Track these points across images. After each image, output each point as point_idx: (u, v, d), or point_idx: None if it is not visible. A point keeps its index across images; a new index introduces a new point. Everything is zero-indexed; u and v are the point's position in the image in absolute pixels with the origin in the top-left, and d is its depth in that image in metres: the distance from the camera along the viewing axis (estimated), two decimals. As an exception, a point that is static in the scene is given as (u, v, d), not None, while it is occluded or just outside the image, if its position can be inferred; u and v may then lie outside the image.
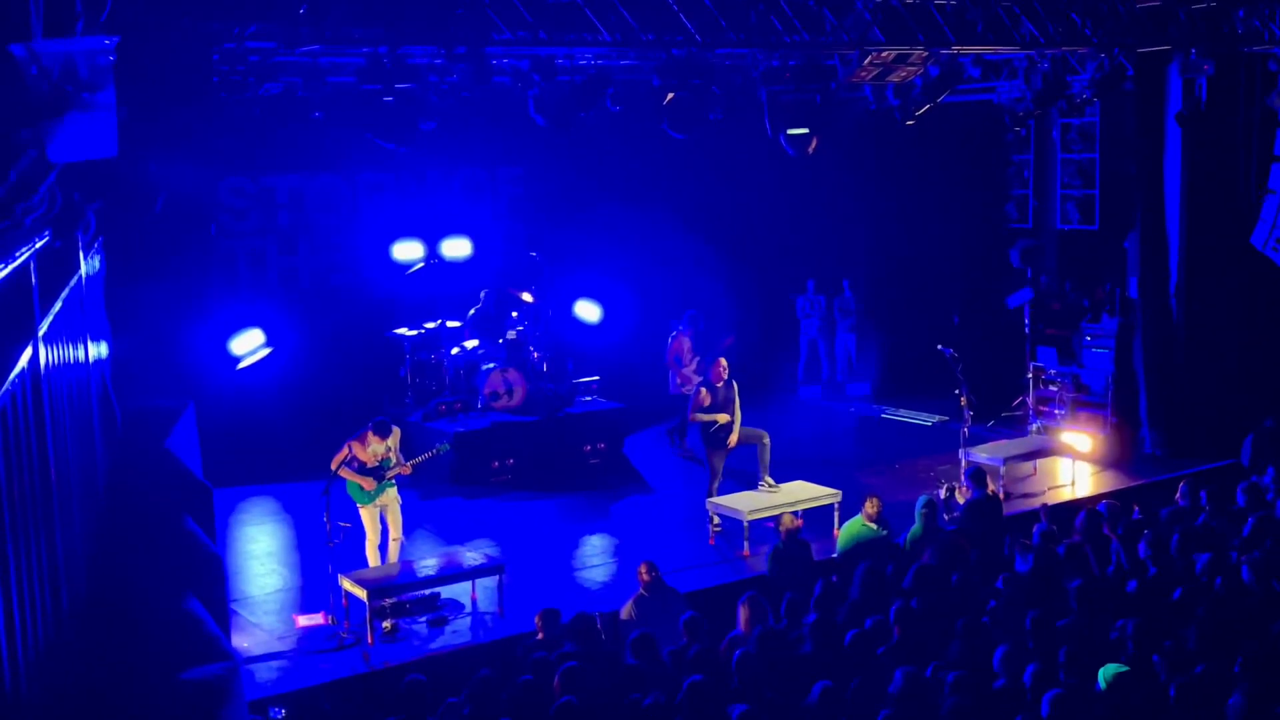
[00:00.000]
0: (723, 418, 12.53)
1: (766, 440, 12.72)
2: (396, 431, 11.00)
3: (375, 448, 10.82)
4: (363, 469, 10.80)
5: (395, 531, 11.06)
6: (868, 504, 10.68)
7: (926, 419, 16.12)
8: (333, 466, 10.76)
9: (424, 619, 10.33)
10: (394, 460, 10.93)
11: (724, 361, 12.68)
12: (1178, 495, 11.13)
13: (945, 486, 11.51)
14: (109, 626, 6.97)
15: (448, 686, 8.11)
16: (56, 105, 4.25)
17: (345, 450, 10.79)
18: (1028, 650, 7.61)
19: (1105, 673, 7.10)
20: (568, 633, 8.58)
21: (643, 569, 9.60)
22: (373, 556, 11.01)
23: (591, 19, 10.89)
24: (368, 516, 10.97)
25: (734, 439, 12.62)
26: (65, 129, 4.37)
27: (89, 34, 5.33)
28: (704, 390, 12.58)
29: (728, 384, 12.61)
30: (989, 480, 11.55)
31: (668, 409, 16.75)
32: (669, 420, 16.66)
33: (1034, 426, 15.52)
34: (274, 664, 9.71)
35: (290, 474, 13.71)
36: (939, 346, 13.92)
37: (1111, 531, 10.04)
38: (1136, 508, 11.11)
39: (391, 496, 11.03)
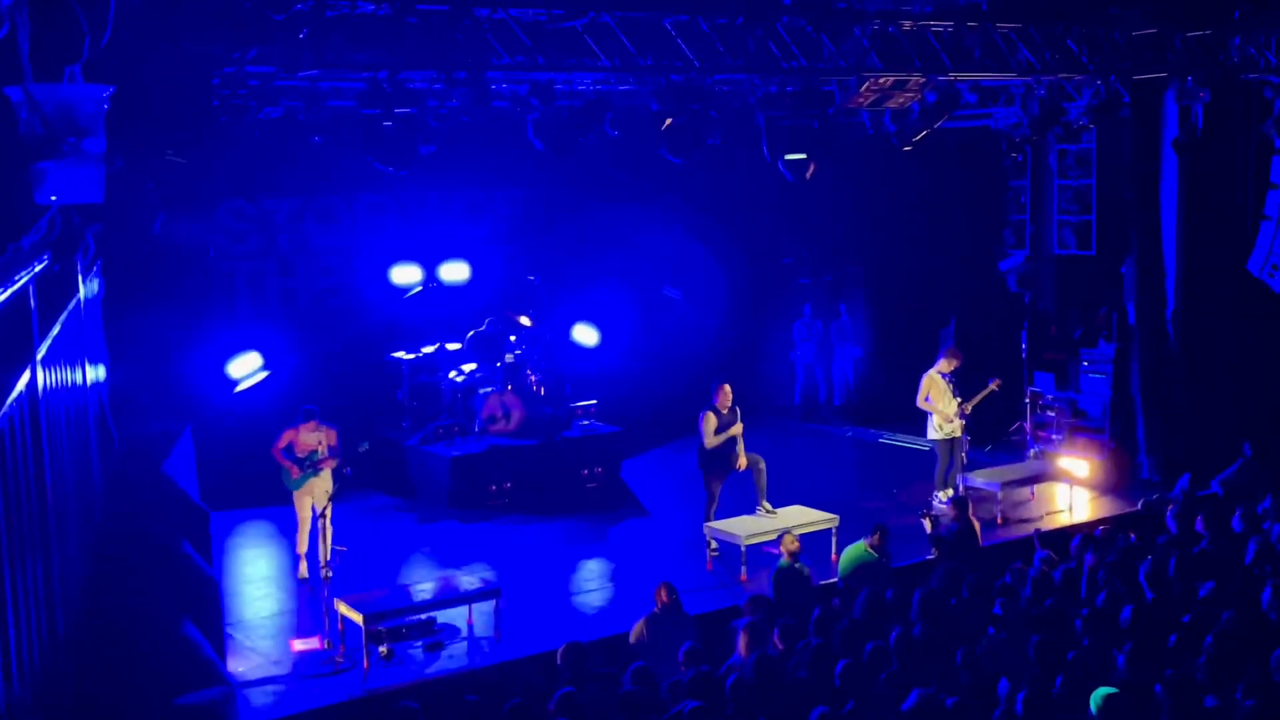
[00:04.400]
0: (736, 429, 12.50)
1: (762, 465, 12.68)
2: (328, 429, 11.99)
3: (306, 437, 11.91)
4: (297, 459, 11.85)
5: (323, 516, 11.53)
6: (879, 531, 10.66)
7: (924, 444, 16.09)
8: (273, 452, 11.85)
9: (420, 644, 10.29)
10: (321, 453, 11.92)
11: (728, 388, 12.63)
12: (1167, 519, 11.12)
13: (928, 518, 11.47)
14: (105, 650, 6.95)
15: (443, 712, 8.07)
16: (47, 150, 4.27)
17: (284, 438, 11.87)
18: (1025, 679, 7.59)
19: (1096, 696, 7.07)
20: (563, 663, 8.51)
21: (662, 590, 9.57)
22: (302, 542, 12.04)
23: (591, 45, 10.93)
24: (299, 503, 12.00)
25: (742, 462, 12.59)
26: (55, 173, 4.39)
27: (91, 57, 5.35)
28: (711, 415, 12.53)
29: (732, 410, 12.57)
30: (970, 508, 11.53)
31: (666, 433, 16.75)
32: (667, 444, 16.64)
33: (1032, 452, 15.53)
34: (270, 689, 9.66)
35: (287, 497, 13.63)
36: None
37: (1105, 556, 10.04)
38: (1134, 534, 11.07)
39: (322, 490, 11.91)
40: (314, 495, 11.96)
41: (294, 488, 12.01)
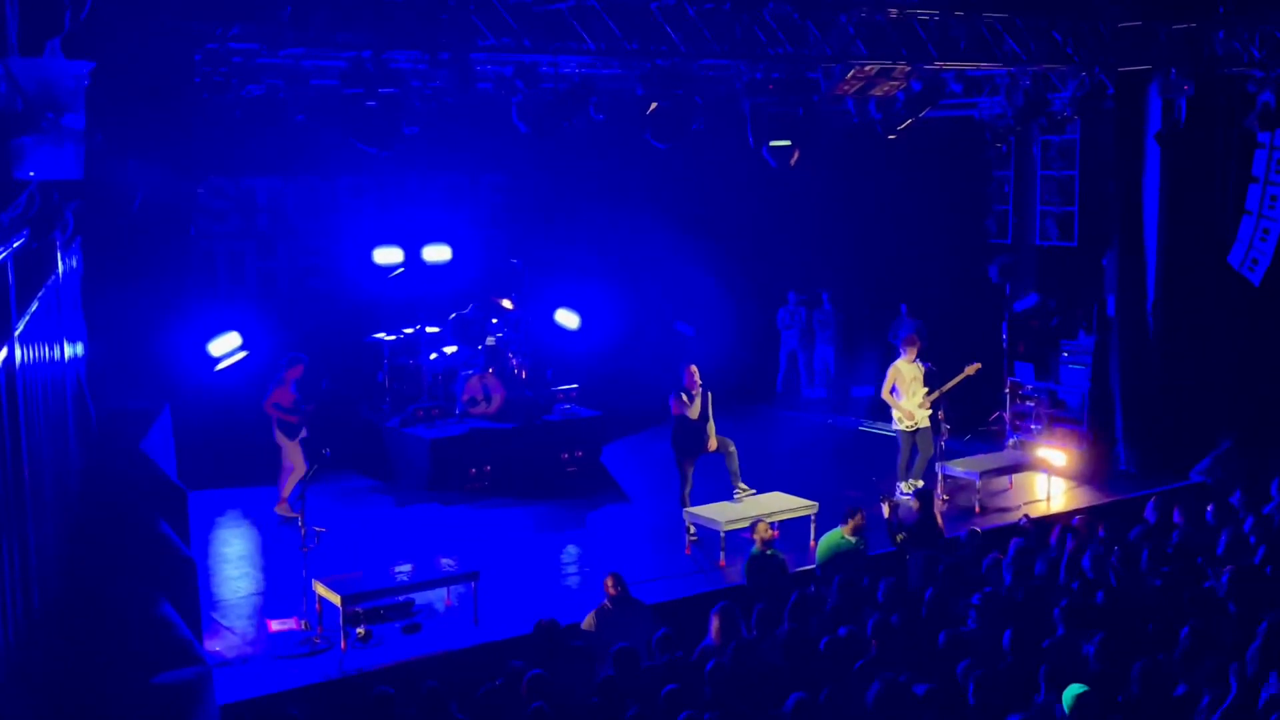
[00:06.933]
0: (695, 410, 12.54)
1: (732, 449, 12.69)
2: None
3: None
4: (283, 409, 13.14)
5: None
6: (855, 517, 10.68)
7: (903, 432, 16.12)
8: (268, 407, 13.16)
9: (398, 625, 10.28)
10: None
11: (694, 369, 12.67)
12: (1146, 512, 11.18)
13: (888, 504, 11.44)
14: (81, 630, 6.91)
15: (419, 695, 8.07)
16: (26, 125, 4.23)
17: (275, 393, 13.21)
18: (1003, 669, 7.63)
19: (1068, 694, 7.07)
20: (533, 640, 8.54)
21: (609, 581, 9.54)
22: (289, 488, 13.21)
23: (576, 27, 10.89)
24: (294, 453, 13.24)
25: (713, 444, 12.62)
26: (34, 149, 4.35)
27: (72, 32, 5.30)
28: (683, 396, 12.57)
29: (701, 390, 12.61)
30: (934, 502, 11.54)
31: (647, 418, 16.75)
32: (648, 429, 16.63)
33: (1010, 441, 15.58)
34: (246, 668, 9.65)
35: (265, 477, 13.65)
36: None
37: (1085, 546, 10.09)
38: (1101, 527, 11.13)
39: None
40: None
41: (292, 437, 13.25)
